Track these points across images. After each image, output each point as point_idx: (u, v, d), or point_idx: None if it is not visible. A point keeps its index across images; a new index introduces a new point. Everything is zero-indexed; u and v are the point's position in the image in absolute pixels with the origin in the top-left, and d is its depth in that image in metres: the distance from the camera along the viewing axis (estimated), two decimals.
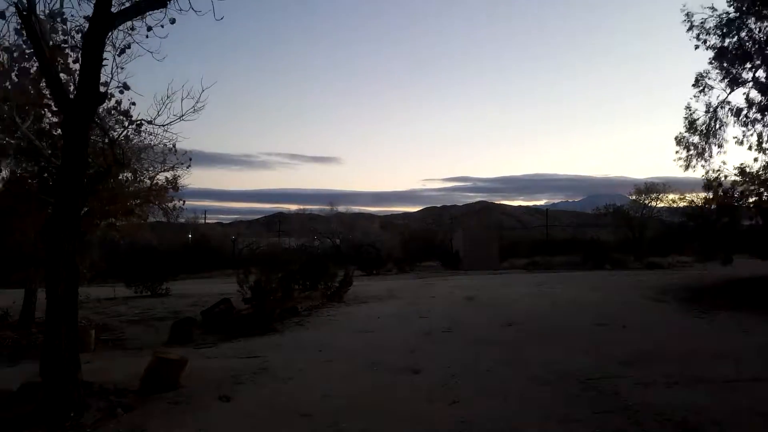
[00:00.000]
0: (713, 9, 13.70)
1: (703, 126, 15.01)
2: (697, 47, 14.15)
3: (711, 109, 14.83)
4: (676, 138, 15.73)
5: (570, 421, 4.40)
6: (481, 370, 6.14)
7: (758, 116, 14.10)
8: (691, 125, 15.21)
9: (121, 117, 7.23)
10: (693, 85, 14.75)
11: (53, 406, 4.52)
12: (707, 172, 15.57)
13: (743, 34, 13.42)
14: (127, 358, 7.25)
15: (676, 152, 15.70)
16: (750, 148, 14.49)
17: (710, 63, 14.21)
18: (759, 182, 14.65)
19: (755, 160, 14.94)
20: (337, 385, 5.62)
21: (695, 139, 15.29)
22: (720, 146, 15.09)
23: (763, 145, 14.25)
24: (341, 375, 6.12)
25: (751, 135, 14.37)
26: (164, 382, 5.38)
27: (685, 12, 14.05)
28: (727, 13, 13.50)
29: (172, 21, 5.39)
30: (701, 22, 13.91)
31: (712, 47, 13.95)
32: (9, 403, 4.66)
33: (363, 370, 6.32)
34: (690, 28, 14.06)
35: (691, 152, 15.42)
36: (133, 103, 6.95)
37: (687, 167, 15.62)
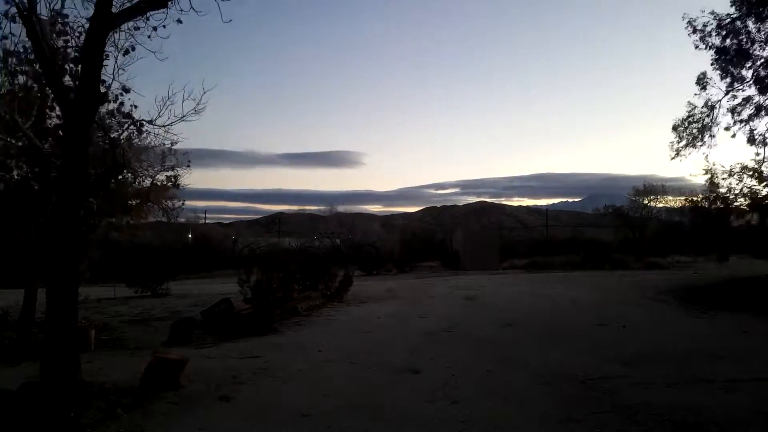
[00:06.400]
0: (714, 14, 13.97)
1: (701, 117, 15.37)
2: (696, 46, 14.34)
3: (709, 105, 15.15)
4: (673, 126, 16.06)
5: (570, 421, 4.40)
6: (481, 371, 6.14)
7: (753, 113, 14.39)
8: (689, 116, 15.58)
9: (124, 120, 7.25)
10: (696, 83, 15.12)
11: (53, 406, 4.52)
12: (710, 175, 15.95)
13: (742, 35, 13.59)
14: (127, 358, 7.24)
15: (671, 143, 16.08)
16: (749, 142, 14.78)
17: (712, 64, 14.44)
18: (757, 178, 14.91)
19: (752, 159, 15.27)
20: (337, 385, 5.62)
21: (692, 129, 15.64)
22: (713, 136, 15.46)
23: (756, 140, 14.53)
24: (341, 375, 6.12)
25: (746, 129, 14.69)
26: (164, 382, 5.38)
27: (687, 19, 14.38)
28: (728, 14, 13.69)
29: (179, 21, 5.41)
30: (704, 25, 14.12)
31: (711, 46, 14.13)
32: (9, 403, 4.65)
33: (363, 370, 6.32)
34: (693, 32, 14.28)
35: (683, 142, 15.82)
36: (135, 106, 6.98)
37: (676, 155, 16.04)
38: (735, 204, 17.31)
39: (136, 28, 5.64)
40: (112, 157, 6.23)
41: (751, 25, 13.52)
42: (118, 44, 5.78)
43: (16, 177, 8.37)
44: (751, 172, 15.43)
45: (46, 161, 7.37)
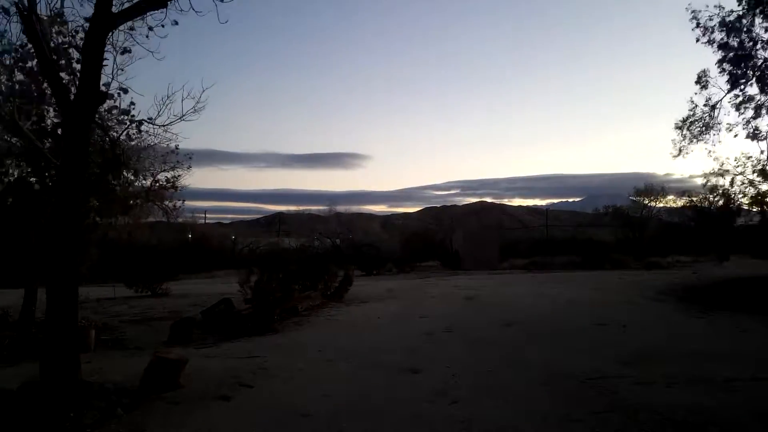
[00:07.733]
0: (720, 7, 13.83)
1: (702, 116, 15.34)
2: (698, 40, 14.25)
3: (710, 104, 15.13)
4: (675, 124, 16.01)
5: (570, 421, 4.40)
6: (481, 371, 6.14)
7: (754, 112, 14.34)
8: (691, 116, 15.56)
9: (123, 117, 7.25)
10: (696, 82, 15.04)
11: (53, 406, 4.52)
12: (707, 174, 15.94)
13: (745, 33, 13.52)
14: (127, 358, 7.24)
15: (673, 140, 16.06)
16: (747, 136, 14.80)
17: (714, 53, 14.34)
18: (758, 173, 14.90)
19: (755, 157, 15.26)
20: (337, 385, 5.62)
21: (694, 128, 15.61)
22: (716, 133, 15.45)
23: (758, 137, 14.53)
24: (341, 375, 6.12)
25: (749, 127, 14.65)
26: (164, 382, 5.37)
27: (691, 10, 14.21)
28: (733, 10, 13.61)
29: (175, 23, 5.42)
30: (707, 19, 14.03)
31: (713, 41, 14.05)
32: (9, 403, 4.65)
33: (363, 370, 6.32)
34: (697, 26, 14.18)
35: (686, 140, 15.79)
36: (133, 104, 6.98)
37: (678, 154, 16.06)
38: (737, 202, 17.27)
39: (132, 29, 5.64)
40: (112, 152, 6.24)
41: (757, 22, 13.41)
42: (116, 44, 5.78)
43: (15, 177, 8.37)
44: (757, 166, 15.40)
45: (46, 161, 7.37)
